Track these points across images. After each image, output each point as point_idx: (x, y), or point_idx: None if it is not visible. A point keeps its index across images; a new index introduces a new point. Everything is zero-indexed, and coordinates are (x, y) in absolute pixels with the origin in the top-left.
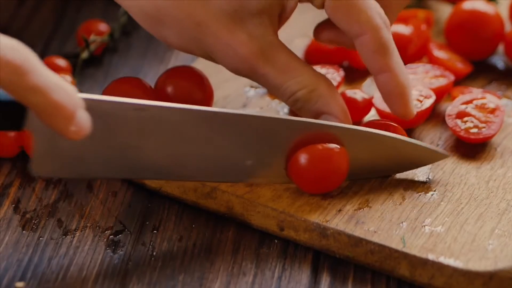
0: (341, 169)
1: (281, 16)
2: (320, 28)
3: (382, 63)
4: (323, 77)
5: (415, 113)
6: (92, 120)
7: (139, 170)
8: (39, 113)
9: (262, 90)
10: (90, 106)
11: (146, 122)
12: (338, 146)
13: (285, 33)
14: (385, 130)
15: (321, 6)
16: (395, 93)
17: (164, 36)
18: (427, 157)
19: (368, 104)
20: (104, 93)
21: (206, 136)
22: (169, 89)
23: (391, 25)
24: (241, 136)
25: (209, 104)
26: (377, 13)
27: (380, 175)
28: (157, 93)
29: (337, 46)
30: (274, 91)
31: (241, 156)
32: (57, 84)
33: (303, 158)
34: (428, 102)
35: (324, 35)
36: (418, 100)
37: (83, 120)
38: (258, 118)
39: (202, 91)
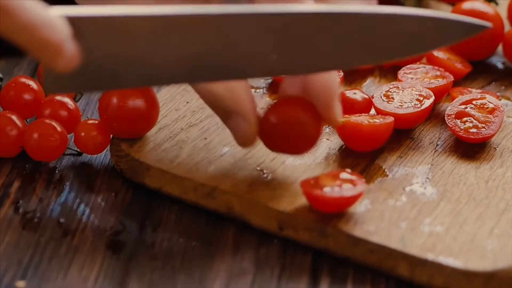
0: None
1: None
2: None
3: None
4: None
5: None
6: (98, 34)
7: (151, 78)
8: (27, 49)
9: (261, 90)
10: (96, 21)
11: (155, 31)
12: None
13: None
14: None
15: None
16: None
17: None
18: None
19: (368, 104)
20: (104, 95)
21: (224, 37)
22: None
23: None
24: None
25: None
26: None
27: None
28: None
29: None
30: (194, 87)
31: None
32: (43, 19)
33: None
34: (428, 102)
35: None
36: (418, 100)
37: (71, 51)
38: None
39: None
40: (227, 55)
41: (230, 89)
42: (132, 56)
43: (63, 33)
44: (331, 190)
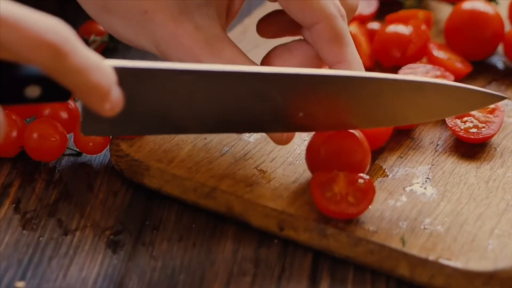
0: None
1: (229, 9)
2: (262, 23)
3: (337, 53)
4: None
5: None
6: (136, 83)
7: (185, 127)
8: (76, 92)
9: None
10: (136, 73)
11: (193, 84)
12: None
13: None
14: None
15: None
16: None
17: (112, 26)
18: (478, 101)
19: None
20: None
21: (256, 94)
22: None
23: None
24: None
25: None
26: (332, 2)
27: (426, 120)
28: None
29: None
30: None
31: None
32: (95, 64)
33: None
34: None
35: (268, 31)
36: None
37: (117, 97)
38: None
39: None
40: (259, 110)
41: None
42: (168, 106)
43: (111, 79)
44: (337, 203)
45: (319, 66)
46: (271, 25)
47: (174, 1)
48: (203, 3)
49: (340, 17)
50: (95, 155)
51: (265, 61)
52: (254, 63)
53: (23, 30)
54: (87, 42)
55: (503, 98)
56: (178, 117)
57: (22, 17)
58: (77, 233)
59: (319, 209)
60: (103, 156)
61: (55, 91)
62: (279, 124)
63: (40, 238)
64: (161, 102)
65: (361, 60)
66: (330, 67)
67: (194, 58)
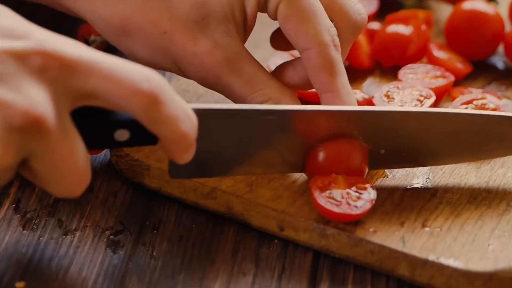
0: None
1: (246, 26)
2: (275, 36)
3: (326, 81)
4: (288, 90)
5: None
6: (219, 125)
7: (270, 166)
8: (163, 139)
9: None
10: (218, 113)
11: (275, 124)
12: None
13: None
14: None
15: (274, 16)
16: None
17: (131, 49)
18: None
19: (368, 104)
20: None
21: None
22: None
23: (343, 58)
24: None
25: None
26: (327, 30)
27: (465, 160)
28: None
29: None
30: (237, 101)
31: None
32: (187, 114)
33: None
34: (428, 102)
35: (280, 44)
36: (418, 100)
37: (194, 149)
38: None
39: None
40: None
41: (277, 101)
42: (251, 146)
43: (196, 128)
44: (338, 205)
45: None
46: (282, 38)
47: (193, 21)
48: (221, 21)
49: (333, 46)
50: (95, 155)
51: (274, 76)
52: (275, 80)
53: (118, 80)
54: (87, 42)
55: None
56: (262, 157)
57: (116, 66)
58: (77, 233)
59: (319, 212)
60: (103, 156)
61: (143, 136)
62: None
63: (40, 238)
64: (241, 142)
65: (352, 92)
66: (320, 95)
67: (215, 76)
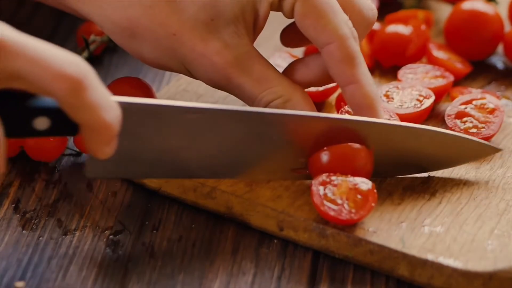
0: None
1: (255, 25)
2: (285, 34)
3: (348, 74)
4: (298, 88)
5: None
6: (142, 122)
7: (189, 170)
8: (85, 128)
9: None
10: (142, 108)
11: (197, 124)
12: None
13: None
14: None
15: (291, 15)
16: (362, 105)
17: (139, 51)
18: (473, 152)
19: None
20: None
21: (256, 135)
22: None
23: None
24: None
25: None
26: (345, 23)
27: (414, 172)
28: None
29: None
30: (249, 102)
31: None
32: (110, 103)
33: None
34: (428, 102)
35: (291, 41)
36: (418, 100)
37: (115, 143)
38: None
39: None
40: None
41: (287, 98)
42: (173, 147)
43: (119, 120)
44: (331, 209)
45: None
46: (293, 35)
47: (201, 22)
48: (231, 21)
49: (352, 38)
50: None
51: (284, 75)
52: (285, 78)
53: (43, 62)
54: (87, 42)
55: (496, 151)
56: (184, 159)
57: (42, 49)
58: (77, 233)
59: (319, 214)
60: None
61: (64, 125)
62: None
63: (40, 238)
64: (166, 142)
65: (373, 81)
66: (342, 88)
67: (225, 76)
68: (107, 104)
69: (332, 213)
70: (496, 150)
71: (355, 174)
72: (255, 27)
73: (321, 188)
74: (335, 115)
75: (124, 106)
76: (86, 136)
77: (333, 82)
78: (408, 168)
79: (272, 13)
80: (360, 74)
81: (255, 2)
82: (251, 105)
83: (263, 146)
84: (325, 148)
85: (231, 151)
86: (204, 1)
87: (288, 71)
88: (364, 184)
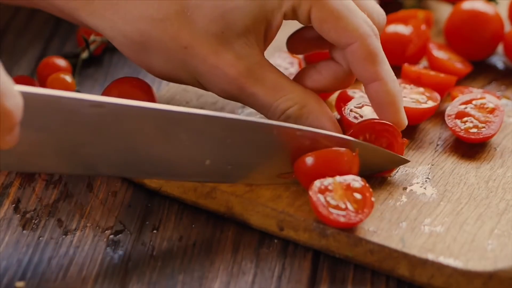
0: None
1: (266, 35)
2: (292, 41)
3: (372, 71)
4: (312, 93)
5: (406, 122)
6: (48, 114)
7: (94, 166)
8: None
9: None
10: (48, 101)
11: (103, 119)
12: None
13: (285, 36)
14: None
15: (307, 22)
16: (385, 102)
17: (150, 64)
18: (387, 162)
19: None
20: (104, 93)
21: (164, 134)
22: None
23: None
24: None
25: None
26: (365, 21)
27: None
28: None
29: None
30: (263, 111)
31: (199, 156)
32: (11, 91)
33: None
34: (431, 103)
35: (298, 48)
36: (425, 97)
37: (17, 132)
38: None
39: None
40: (165, 151)
41: (303, 105)
42: (77, 142)
43: (21, 109)
44: (340, 215)
45: (348, 85)
46: (300, 42)
47: (213, 34)
48: (242, 33)
49: (373, 35)
50: None
51: (295, 81)
52: (297, 85)
53: None
54: (87, 42)
55: (405, 161)
56: (87, 154)
57: None
58: (77, 233)
59: (318, 218)
60: None
61: None
62: (186, 171)
63: (40, 238)
64: (68, 136)
65: (395, 79)
66: (365, 86)
67: (238, 87)
68: (8, 91)
69: (342, 219)
70: (405, 161)
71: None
72: (266, 37)
73: (321, 196)
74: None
75: (25, 95)
76: None
77: (343, 87)
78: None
79: None
80: (384, 71)
81: (267, 14)
82: (265, 114)
83: (246, 152)
84: (309, 153)
85: (134, 149)
86: (214, 13)
87: (300, 78)
88: (356, 181)
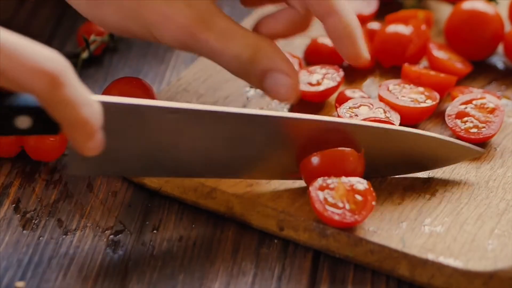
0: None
1: None
2: (260, 22)
3: (327, 5)
4: (266, 38)
5: (366, 54)
6: (126, 121)
7: (173, 169)
8: (64, 125)
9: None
10: (126, 108)
11: (179, 124)
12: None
13: None
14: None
15: None
16: (343, 34)
17: (103, 17)
18: (458, 154)
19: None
20: (104, 93)
21: (238, 136)
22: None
23: None
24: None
25: None
26: None
27: (403, 173)
28: None
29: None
30: (216, 58)
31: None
32: (87, 100)
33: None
34: (430, 102)
35: (250, 1)
36: (424, 96)
37: (100, 138)
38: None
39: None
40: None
41: (256, 48)
42: (156, 146)
43: (99, 116)
44: (335, 213)
45: (304, 29)
46: (267, 24)
47: None
48: None
49: None
50: None
51: (253, 31)
52: (250, 31)
53: (22, 58)
54: (87, 42)
55: (480, 153)
56: (166, 158)
57: (20, 45)
58: (77, 233)
59: (319, 217)
60: None
61: (45, 123)
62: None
63: (40, 238)
64: (144, 140)
65: (352, 11)
66: (323, 22)
67: (189, 34)
68: (85, 100)
69: (336, 217)
70: (479, 153)
71: (346, 177)
72: None
73: (320, 193)
74: (324, 117)
75: (104, 105)
76: (67, 133)
77: (300, 32)
78: (400, 168)
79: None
80: (340, 4)
81: None
82: (219, 62)
83: (252, 148)
84: (315, 153)
85: (220, 152)
86: None
87: (256, 26)
88: (360, 184)
